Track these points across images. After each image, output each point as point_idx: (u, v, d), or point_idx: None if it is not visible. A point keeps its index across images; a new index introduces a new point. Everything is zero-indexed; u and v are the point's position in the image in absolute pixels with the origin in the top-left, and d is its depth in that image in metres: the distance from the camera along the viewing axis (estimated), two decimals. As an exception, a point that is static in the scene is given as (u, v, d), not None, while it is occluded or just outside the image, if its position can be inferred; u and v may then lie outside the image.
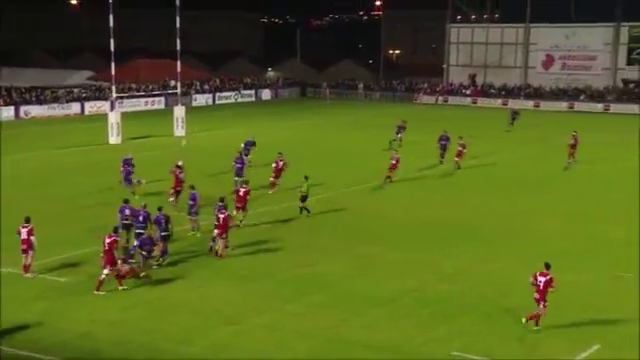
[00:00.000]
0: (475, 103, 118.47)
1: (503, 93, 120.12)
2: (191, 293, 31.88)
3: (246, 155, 57.04)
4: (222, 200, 37.92)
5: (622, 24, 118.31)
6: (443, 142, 62.89)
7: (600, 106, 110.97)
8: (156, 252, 34.40)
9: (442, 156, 62.38)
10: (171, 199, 44.25)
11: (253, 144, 59.38)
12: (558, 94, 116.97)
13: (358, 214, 45.90)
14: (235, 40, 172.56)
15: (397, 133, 70.90)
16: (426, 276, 34.57)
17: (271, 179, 51.22)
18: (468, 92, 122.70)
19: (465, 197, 51.34)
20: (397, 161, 53.99)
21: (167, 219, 35.65)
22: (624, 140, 76.53)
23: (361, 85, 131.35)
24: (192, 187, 41.33)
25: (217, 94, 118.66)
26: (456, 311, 30.28)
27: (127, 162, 49.74)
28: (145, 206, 36.91)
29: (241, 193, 42.29)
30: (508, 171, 61.42)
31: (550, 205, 49.22)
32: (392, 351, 26.61)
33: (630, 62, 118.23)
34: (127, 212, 36.96)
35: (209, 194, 43.64)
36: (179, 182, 45.44)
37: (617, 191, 53.10)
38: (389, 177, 54.68)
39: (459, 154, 60.04)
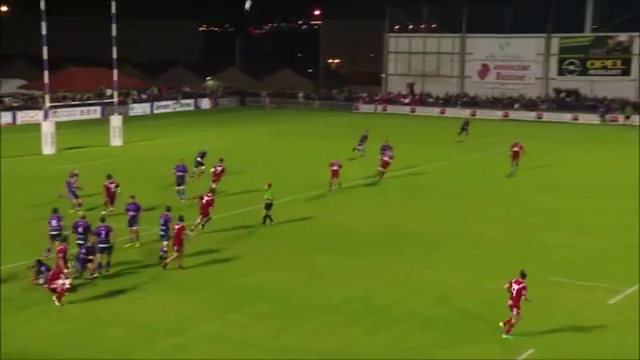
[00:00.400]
0: (414, 112, 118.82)
1: (441, 102, 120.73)
2: (129, 305, 31.03)
3: (201, 165, 56.66)
4: (169, 209, 37.31)
5: (553, 35, 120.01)
6: (385, 150, 61.96)
7: (533, 114, 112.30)
8: (93, 265, 33.50)
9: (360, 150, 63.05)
10: (104, 212, 42.81)
11: (204, 155, 58.11)
12: (494, 103, 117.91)
13: (303, 222, 45.53)
14: (173, 49, 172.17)
15: (360, 142, 70.09)
16: (371, 283, 34.35)
17: (212, 185, 50.63)
18: (407, 101, 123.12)
19: (409, 204, 51.60)
20: (339, 167, 53.58)
21: (108, 231, 34.62)
22: (558, 147, 78.00)
23: (301, 94, 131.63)
24: (132, 197, 40.23)
25: (155, 103, 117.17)
26: (399, 317, 30.20)
27: (69, 184, 47.85)
28: (84, 217, 35.97)
29: (204, 201, 41.76)
30: (450, 178, 61.81)
31: (489, 211, 49.73)
32: (336, 358, 26.57)
33: (561, 72, 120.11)
34: (54, 223, 36.05)
35: (149, 204, 43.16)
36: (110, 193, 44.91)
37: (553, 197, 53.70)
38: (339, 183, 54.35)
39: (385, 164, 59.00)
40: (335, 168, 54.14)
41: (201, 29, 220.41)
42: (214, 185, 50.78)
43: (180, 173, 50.50)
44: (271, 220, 44.28)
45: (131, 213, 39.41)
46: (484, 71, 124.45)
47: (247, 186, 52.76)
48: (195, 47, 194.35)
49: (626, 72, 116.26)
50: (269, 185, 44.35)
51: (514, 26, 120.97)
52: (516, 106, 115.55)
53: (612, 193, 55.30)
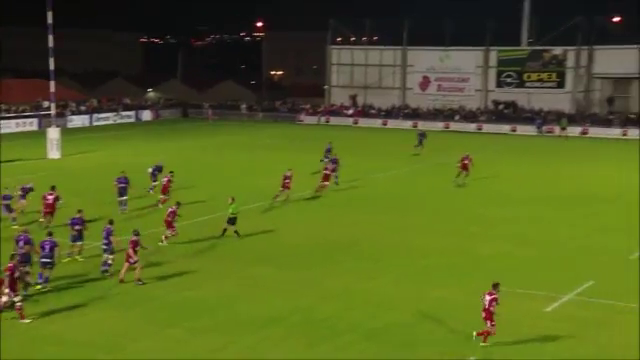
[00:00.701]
0: (356, 123, 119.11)
1: (383, 113, 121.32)
2: (65, 322, 30.30)
3: (154, 181, 56.09)
4: (111, 222, 36.85)
5: (491, 48, 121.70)
6: (333, 164, 61.51)
7: (473, 126, 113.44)
8: (30, 279, 32.65)
9: (335, 177, 60.86)
10: (45, 225, 42.28)
11: (160, 169, 57.20)
12: (435, 114, 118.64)
13: (246, 235, 44.55)
14: (113, 60, 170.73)
15: (327, 155, 68.75)
16: (313, 295, 34.26)
17: (160, 196, 50.72)
18: (349, 112, 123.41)
19: (353, 215, 51.39)
20: (289, 179, 53.09)
21: (53, 246, 33.83)
22: (498, 158, 78.88)
23: (244, 106, 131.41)
24: (80, 211, 39.18)
25: (95, 115, 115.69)
26: (342, 329, 30.12)
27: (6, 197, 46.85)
28: (26, 231, 35.46)
29: (167, 213, 41.64)
30: (394, 189, 61.96)
31: (432, 221, 49.97)
32: None
33: (499, 84, 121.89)
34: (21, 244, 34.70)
35: (88, 216, 41.79)
36: (49, 205, 44.10)
37: (493, 207, 53.96)
38: (277, 196, 53.93)
39: (325, 178, 58.47)
40: (287, 181, 53.87)
41: (142, 40, 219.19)
42: (164, 197, 50.35)
43: (122, 185, 49.78)
44: (238, 235, 43.49)
45: (77, 227, 38.55)
46: (425, 83, 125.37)
47: (192, 198, 52.03)
48: (135, 59, 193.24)
49: (561, 85, 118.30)
50: (232, 199, 43.82)
51: (454, 39, 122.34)
52: (456, 117, 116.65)
53: (548, 203, 55.81)
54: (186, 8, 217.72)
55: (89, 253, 38.70)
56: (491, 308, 27.98)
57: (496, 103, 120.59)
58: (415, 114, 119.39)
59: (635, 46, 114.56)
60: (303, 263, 39.94)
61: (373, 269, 38.93)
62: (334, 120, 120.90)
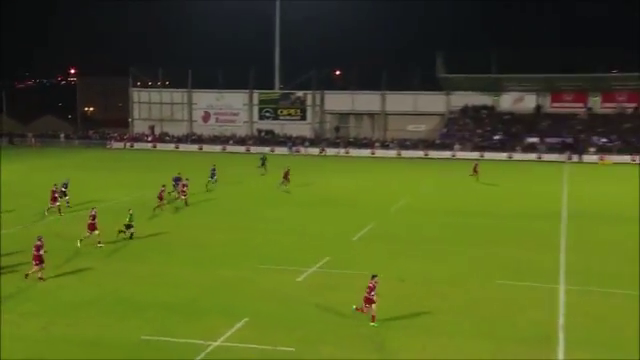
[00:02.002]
0: (155, 147, 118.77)
1: (175, 139, 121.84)
2: None
3: (65, 195, 52.66)
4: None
5: (254, 91, 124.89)
6: (176, 181, 58.06)
7: (243, 148, 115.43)
8: None
9: (176, 191, 56.76)
10: None
11: (67, 184, 54.34)
12: (214, 140, 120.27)
13: (53, 237, 40.65)
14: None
15: (212, 176, 64.89)
16: (123, 280, 33.29)
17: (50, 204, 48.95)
18: (149, 139, 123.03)
19: (158, 217, 49.53)
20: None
21: None
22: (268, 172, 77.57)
23: (62, 135, 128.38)
24: None
25: None
26: (145, 305, 29.39)
27: None
28: None
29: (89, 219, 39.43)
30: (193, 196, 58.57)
31: (217, 221, 49.48)
32: (95, 342, 25.25)
33: (261, 117, 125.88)
34: None
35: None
36: None
37: (269, 210, 53.83)
38: (61, 207, 50.08)
39: (183, 192, 55.60)
40: (56, 195, 49.47)
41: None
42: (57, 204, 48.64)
43: None
44: (132, 237, 41.65)
45: None
46: (206, 117, 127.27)
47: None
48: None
49: (303, 117, 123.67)
50: (130, 210, 42.36)
51: (227, 84, 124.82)
52: (231, 142, 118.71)
53: (307, 205, 56.70)
54: (9, 57, 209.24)
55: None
56: (371, 294, 26.96)
57: (259, 131, 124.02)
58: (200, 140, 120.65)
59: (349, 92, 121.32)
60: (112, 256, 38.23)
61: (169, 258, 37.95)
62: (137, 145, 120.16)
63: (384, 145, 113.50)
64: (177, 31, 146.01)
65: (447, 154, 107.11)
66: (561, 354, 25.06)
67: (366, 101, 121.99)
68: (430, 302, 30.47)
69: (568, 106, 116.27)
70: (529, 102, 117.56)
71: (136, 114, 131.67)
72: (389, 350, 25.05)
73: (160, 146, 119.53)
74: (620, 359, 24.57)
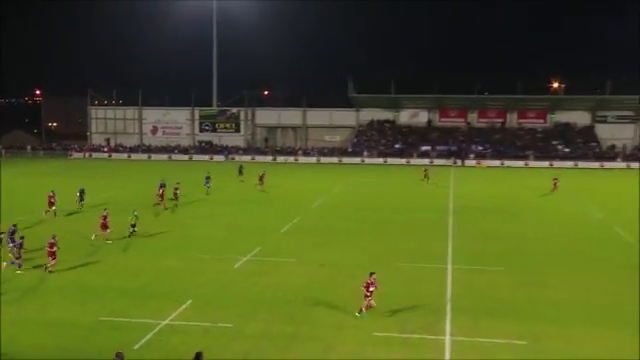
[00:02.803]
0: (110, 157, 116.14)
1: (128, 149, 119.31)
2: None
3: (81, 200, 51.04)
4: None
5: (195, 108, 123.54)
6: (161, 187, 53.91)
7: (187, 157, 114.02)
8: None
9: (160, 197, 52.63)
10: None
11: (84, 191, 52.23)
12: (161, 149, 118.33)
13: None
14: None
15: (206, 183, 61.95)
16: (86, 269, 32.47)
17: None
18: (105, 150, 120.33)
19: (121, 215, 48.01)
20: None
21: None
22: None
23: (29, 146, 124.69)
24: None
25: None
26: (105, 290, 28.72)
27: None
28: None
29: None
30: (135, 197, 56.72)
31: (162, 221, 47.67)
32: (58, 323, 24.71)
33: (202, 130, 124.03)
34: None
35: None
36: None
37: (217, 207, 52.73)
38: (54, 211, 46.88)
39: (175, 195, 53.55)
40: (52, 200, 47.33)
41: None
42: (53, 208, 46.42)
43: None
44: (134, 234, 40.12)
45: None
46: (155, 130, 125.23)
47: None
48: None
49: (237, 130, 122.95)
50: (135, 211, 41.25)
51: (172, 101, 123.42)
52: (176, 151, 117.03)
53: (247, 203, 55.47)
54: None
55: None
56: (368, 289, 25.67)
57: (200, 142, 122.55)
58: (149, 150, 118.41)
59: (276, 108, 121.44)
60: (79, 252, 36.68)
61: (127, 251, 37.22)
62: (95, 155, 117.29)
63: (305, 153, 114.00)
64: (130, 57, 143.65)
65: (357, 160, 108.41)
66: (449, 320, 25.80)
67: (290, 116, 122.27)
68: (344, 283, 30.75)
69: (452, 120, 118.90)
70: (422, 117, 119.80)
71: (94, 128, 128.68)
72: (310, 324, 25.30)
73: (115, 155, 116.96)
74: (495, 322, 25.42)
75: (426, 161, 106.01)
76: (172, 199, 53.35)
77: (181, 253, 36.66)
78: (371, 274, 26.27)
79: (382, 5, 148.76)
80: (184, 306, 26.85)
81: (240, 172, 75.18)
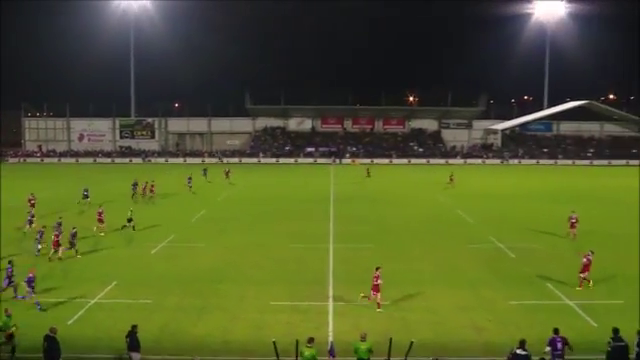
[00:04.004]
0: (42, 161, 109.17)
1: (58, 154, 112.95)
2: None
3: (87, 198, 47.99)
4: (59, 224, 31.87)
5: (116, 118, 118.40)
6: (134, 186, 53.36)
7: (109, 160, 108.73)
8: None
9: (134, 193, 52.36)
10: None
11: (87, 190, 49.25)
12: (87, 154, 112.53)
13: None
14: None
15: (188, 182, 58.21)
16: (66, 261, 30.43)
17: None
18: (38, 155, 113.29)
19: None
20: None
21: None
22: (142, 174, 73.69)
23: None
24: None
25: None
26: (42, 277, 27.53)
27: None
28: None
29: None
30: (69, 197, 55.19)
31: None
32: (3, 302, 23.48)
33: (121, 137, 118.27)
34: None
35: None
36: None
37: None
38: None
39: (150, 190, 52.90)
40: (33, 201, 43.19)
41: None
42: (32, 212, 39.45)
43: None
44: (134, 228, 37.59)
45: None
46: (81, 137, 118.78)
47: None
48: None
49: (152, 137, 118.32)
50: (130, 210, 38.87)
51: (95, 112, 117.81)
52: (100, 155, 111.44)
53: (168, 198, 52.95)
54: None
55: None
56: (377, 284, 23.26)
57: (120, 147, 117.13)
58: (77, 154, 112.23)
59: (185, 118, 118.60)
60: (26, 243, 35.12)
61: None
62: (29, 160, 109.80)
63: (211, 155, 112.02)
64: (58, 74, 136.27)
65: (254, 160, 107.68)
66: (331, 289, 26.16)
67: (197, 124, 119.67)
68: (246, 262, 30.54)
69: (332, 127, 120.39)
70: (307, 124, 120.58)
71: (27, 137, 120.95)
72: (217, 297, 25.01)
73: (47, 160, 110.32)
74: (367, 289, 25.99)
75: (311, 160, 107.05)
76: (143, 195, 52.70)
77: (108, 243, 35.26)
78: (377, 268, 23.55)
79: (272, 30, 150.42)
80: (110, 287, 26.02)
81: (205, 174, 69.96)
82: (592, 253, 26.44)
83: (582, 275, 25.98)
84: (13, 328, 19.53)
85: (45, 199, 50.32)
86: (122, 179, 62.53)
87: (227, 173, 68.02)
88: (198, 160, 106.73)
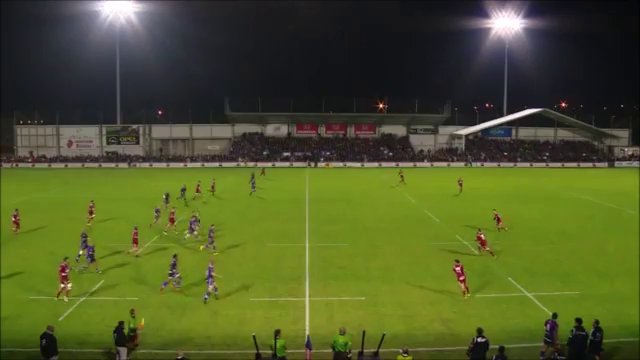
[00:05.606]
0: (34, 166, 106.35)
1: (50, 160, 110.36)
2: None
3: (167, 202, 46.41)
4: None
5: (103, 125, 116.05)
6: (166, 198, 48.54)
7: (97, 165, 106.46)
8: None
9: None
10: None
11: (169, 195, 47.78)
12: (76, 159, 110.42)
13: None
14: None
15: (183, 191, 53.13)
16: (15, 260, 30.54)
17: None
18: (29, 160, 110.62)
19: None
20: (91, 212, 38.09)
21: None
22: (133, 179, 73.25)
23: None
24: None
25: None
26: (33, 275, 26.85)
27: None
28: None
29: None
30: (66, 196, 54.47)
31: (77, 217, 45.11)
32: None
33: (108, 143, 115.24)
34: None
35: None
36: None
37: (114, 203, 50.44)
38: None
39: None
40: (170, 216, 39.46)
41: None
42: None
43: None
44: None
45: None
46: (70, 143, 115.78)
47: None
48: None
49: (138, 142, 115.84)
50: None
51: (83, 120, 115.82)
52: (88, 160, 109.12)
53: (134, 201, 52.65)
54: None
55: None
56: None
57: (107, 152, 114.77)
58: (66, 160, 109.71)
59: (168, 124, 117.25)
60: (14, 244, 34.66)
61: (48, 242, 34.67)
62: (21, 165, 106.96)
63: (193, 159, 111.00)
64: (48, 83, 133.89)
65: (234, 164, 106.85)
66: (307, 285, 26.02)
67: (180, 130, 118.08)
68: (227, 261, 30.17)
69: (307, 132, 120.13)
70: (283, 130, 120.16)
71: (19, 143, 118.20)
72: (200, 295, 24.62)
73: (38, 165, 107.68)
74: (341, 284, 25.90)
75: (287, 164, 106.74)
76: (202, 192, 53.12)
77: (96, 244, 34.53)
78: (457, 262, 23.99)
79: (250, 42, 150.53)
80: (98, 285, 25.76)
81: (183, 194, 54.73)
82: (458, 262, 24.53)
83: (462, 280, 24.00)
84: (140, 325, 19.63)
85: (45, 199, 48.98)
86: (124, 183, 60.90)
87: (213, 186, 60.52)
88: (181, 164, 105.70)
